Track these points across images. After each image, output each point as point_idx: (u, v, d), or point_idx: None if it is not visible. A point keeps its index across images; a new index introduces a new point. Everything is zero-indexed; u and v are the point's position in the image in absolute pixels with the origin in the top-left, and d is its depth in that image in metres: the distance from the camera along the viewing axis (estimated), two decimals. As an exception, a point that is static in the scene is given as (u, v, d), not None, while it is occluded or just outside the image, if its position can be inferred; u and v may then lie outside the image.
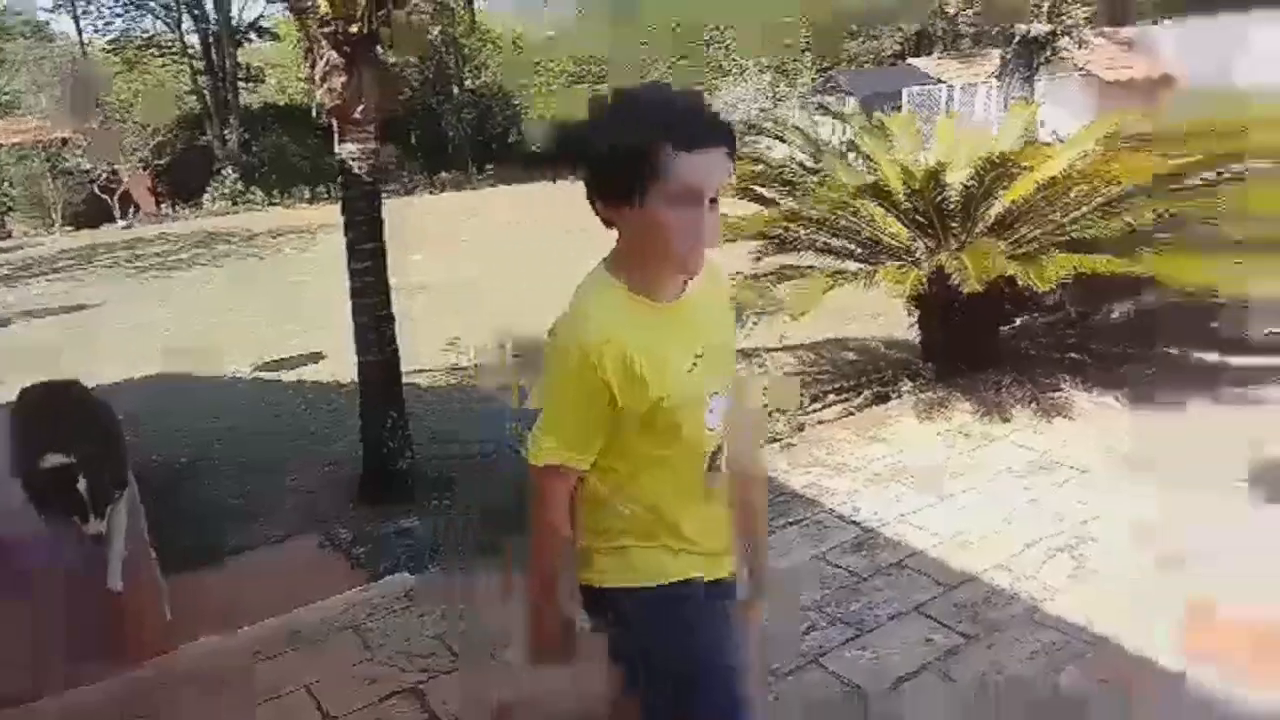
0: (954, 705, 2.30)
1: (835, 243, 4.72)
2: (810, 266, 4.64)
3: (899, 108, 14.98)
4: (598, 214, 1.37)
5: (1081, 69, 13.75)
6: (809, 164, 5.11)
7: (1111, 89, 13.46)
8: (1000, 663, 2.42)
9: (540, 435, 1.41)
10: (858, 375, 5.11)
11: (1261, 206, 3.45)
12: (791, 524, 3.27)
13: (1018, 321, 5.11)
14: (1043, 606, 2.65)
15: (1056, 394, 4.24)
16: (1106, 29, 14.83)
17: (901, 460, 3.77)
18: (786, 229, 4.56)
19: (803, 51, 23.10)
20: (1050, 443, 3.80)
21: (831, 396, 4.79)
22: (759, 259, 4.78)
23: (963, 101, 16.72)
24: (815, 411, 4.52)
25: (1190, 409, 3.91)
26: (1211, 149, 4.15)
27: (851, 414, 4.44)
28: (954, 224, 4.32)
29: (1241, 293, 3.40)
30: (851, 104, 15.04)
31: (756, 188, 4.88)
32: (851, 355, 5.61)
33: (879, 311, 5.74)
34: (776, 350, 5.46)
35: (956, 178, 4.19)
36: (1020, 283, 3.63)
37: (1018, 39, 11.93)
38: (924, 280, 3.91)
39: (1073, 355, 4.77)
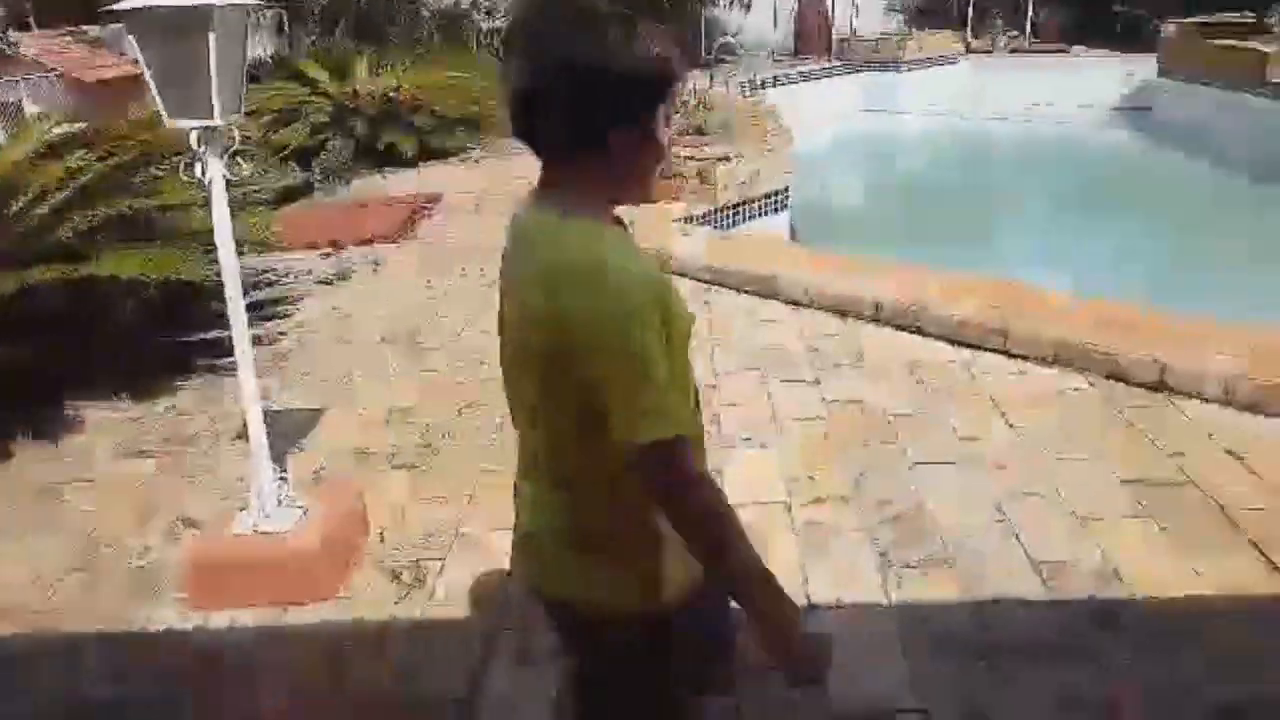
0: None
1: None
2: None
3: None
4: (579, 143, 1.19)
5: (55, 70, 12.98)
6: None
7: (90, 89, 13.08)
8: None
9: (652, 408, 1.14)
10: None
11: (171, 195, 3.80)
12: None
13: None
14: None
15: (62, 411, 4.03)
16: (75, 29, 14.23)
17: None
18: None
19: None
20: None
21: None
22: None
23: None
24: None
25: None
26: (149, 143, 4.37)
27: None
28: None
29: (173, 275, 3.71)
30: None
31: None
32: None
33: None
34: None
35: None
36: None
37: None
38: None
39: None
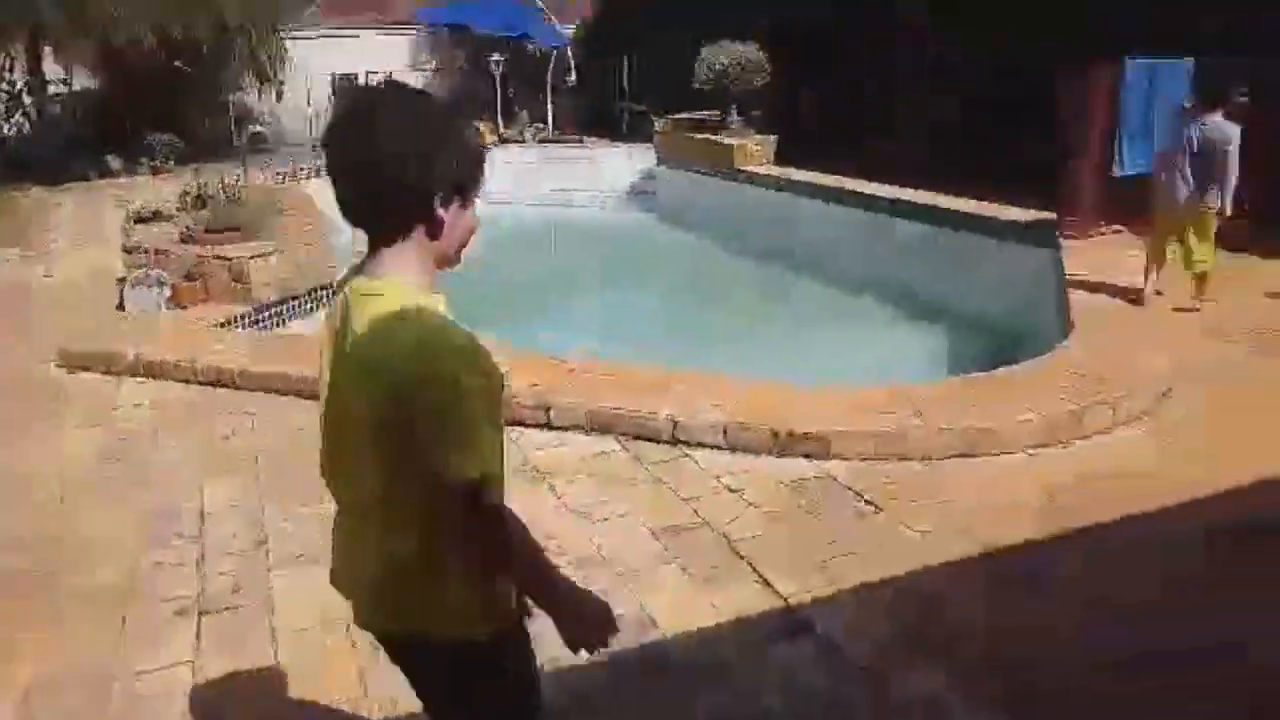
0: None
1: None
2: None
3: None
4: (414, 218, 1.36)
5: None
6: None
7: None
8: None
9: (466, 451, 1.32)
10: None
11: None
12: None
13: None
14: None
15: None
16: None
17: None
18: None
19: None
20: None
21: None
22: None
23: None
24: None
25: None
26: None
27: None
28: None
29: None
30: None
31: None
32: None
33: None
34: None
35: None
36: None
37: None
38: None
39: None
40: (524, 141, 15.73)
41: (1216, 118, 5.52)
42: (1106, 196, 7.22)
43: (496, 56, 16.20)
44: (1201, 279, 5.82)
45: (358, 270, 1.43)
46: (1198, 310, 5.82)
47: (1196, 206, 5.59)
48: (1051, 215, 7.33)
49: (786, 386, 4.62)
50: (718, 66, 11.90)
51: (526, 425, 4.36)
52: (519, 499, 1.43)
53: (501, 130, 16.17)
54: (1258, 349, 5.26)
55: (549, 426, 4.37)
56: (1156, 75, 6.86)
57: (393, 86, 1.41)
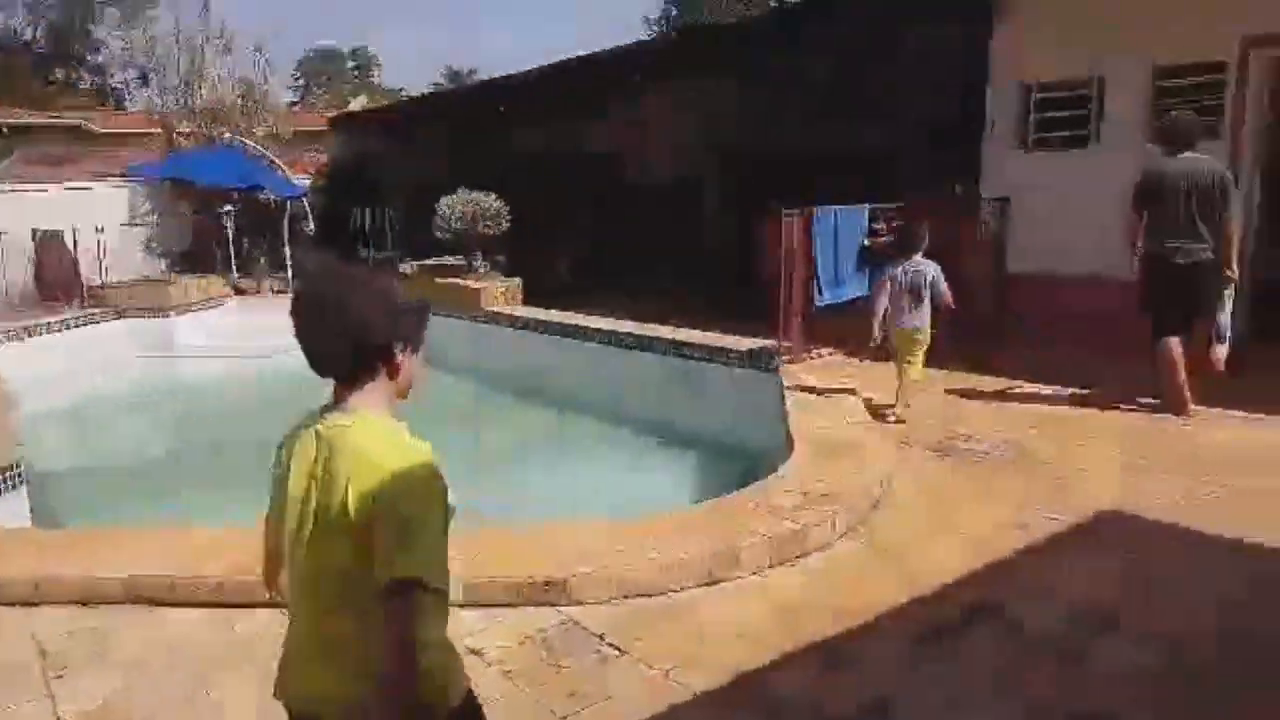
0: None
1: None
2: None
3: None
4: (379, 365, 1.74)
5: None
6: None
7: None
8: None
9: (423, 556, 1.60)
10: None
11: None
12: None
13: None
14: None
15: None
16: None
17: None
18: None
19: None
20: None
21: None
22: None
23: None
24: None
25: None
26: None
27: None
28: None
29: None
30: None
31: None
32: None
33: None
34: None
35: None
36: None
37: None
38: None
39: None
40: (260, 291, 15.05)
41: (917, 259, 6.37)
42: (813, 325, 8.02)
43: (228, 207, 15.60)
44: (906, 391, 6.51)
45: (325, 411, 1.76)
46: (903, 423, 6.45)
47: (909, 331, 6.37)
48: (771, 343, 7.99)
49: (528, 529, 4.55)
50: (457, 214, 12.15)
51: (242, 606, 3.96)
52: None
53: (236, 282, 15.41)
54: (942, 452, 5.91)
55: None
56: (839, 219, 7.85)
57: (343, 266, 1.86)
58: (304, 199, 16.16)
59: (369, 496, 1.60)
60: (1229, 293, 6.20)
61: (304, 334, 1.69)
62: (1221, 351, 6.18)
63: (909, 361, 6.47)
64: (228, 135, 15.78)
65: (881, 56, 10.12)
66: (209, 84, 16.69)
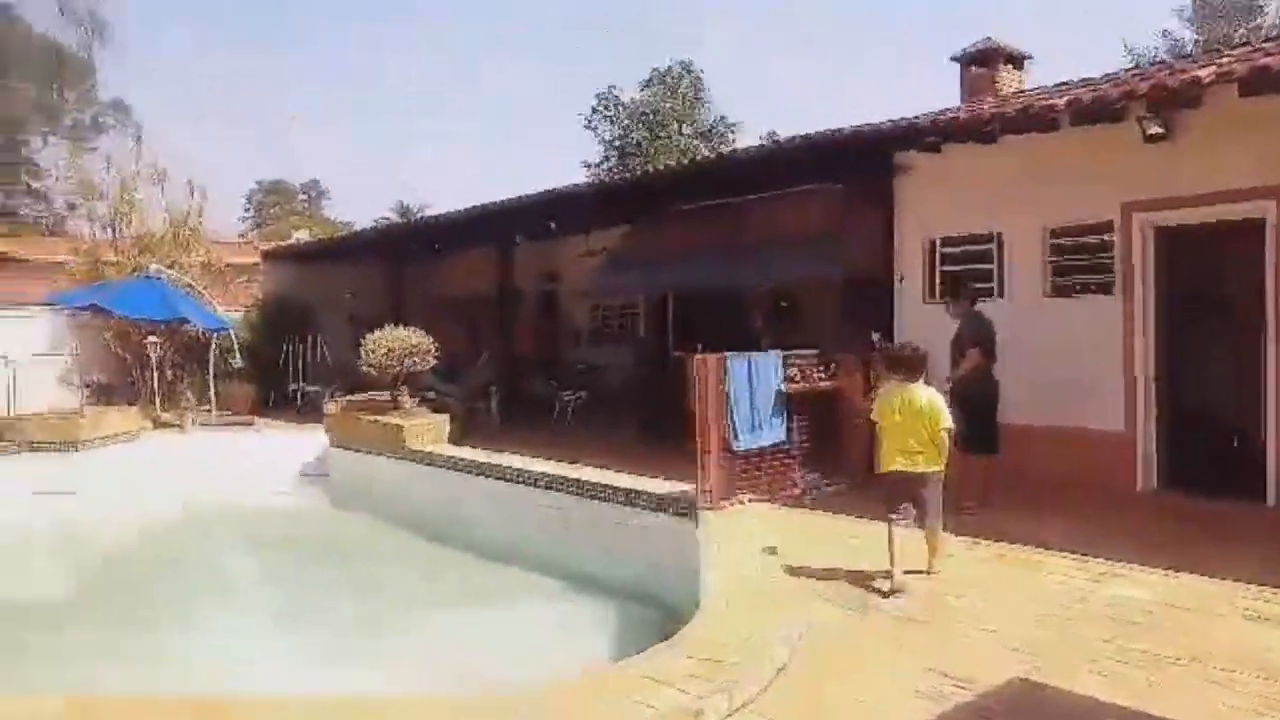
0: None
1: None
2: None
3: None
4: None
5: None
6: None
7: None
8: None
9: None
10: None
11: None
12: None
13: None
14: None
15: None
16: None
17: None
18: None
19: None
20: None
21: None
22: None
23: None
24: None
25: None
26: None
27: None
28: None
29: None
30: None
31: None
32: None
33: None
34: None
35: None
36: None
37: None
38: None
39: None
40: (181, 426, 14.59)
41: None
42: (733, 469, 7.98)
43: (152, 339, 15.30)
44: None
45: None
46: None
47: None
48: (690, 488, 7.91)
49: (383, 704, 4.28)
50: (383, 350, 12.09)
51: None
52: None
53: (159, 415, 14.95)
54: (853, 610, 5.77)
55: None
56: (752, 365, 7.98)
57: None
58: (229, 331, 15.93)
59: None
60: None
61: None
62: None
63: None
64: (154, 266, 15.64)
65: (796, 208, 10.61)
66: (138, 214, 16.66)
